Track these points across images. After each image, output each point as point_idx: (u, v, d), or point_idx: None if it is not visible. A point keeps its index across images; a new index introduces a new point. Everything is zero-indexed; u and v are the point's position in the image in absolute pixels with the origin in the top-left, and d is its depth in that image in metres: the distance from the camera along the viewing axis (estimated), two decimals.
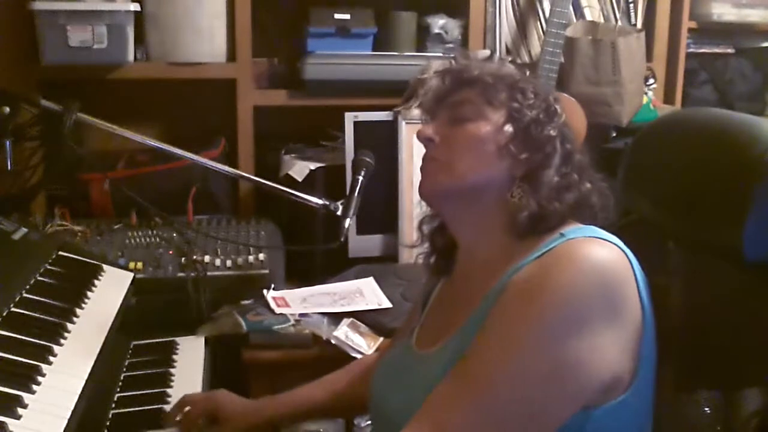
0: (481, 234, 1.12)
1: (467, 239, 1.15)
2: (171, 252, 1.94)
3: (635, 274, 1.01)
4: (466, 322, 1.06)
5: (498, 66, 1.17)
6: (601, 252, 0.99)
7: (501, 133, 1.10)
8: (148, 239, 2.00)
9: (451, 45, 2.43)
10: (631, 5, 2.62)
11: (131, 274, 1.74)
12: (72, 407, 1.13)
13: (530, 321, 0.96)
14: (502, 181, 1.10)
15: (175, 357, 1.65)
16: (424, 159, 1.15)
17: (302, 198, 1.90)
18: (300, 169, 2.20)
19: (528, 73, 1.19)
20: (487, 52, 2.36)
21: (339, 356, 1.70)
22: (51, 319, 1.34)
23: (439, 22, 2.41)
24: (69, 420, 1.10)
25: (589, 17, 2.56)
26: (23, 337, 1.24)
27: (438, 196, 1.14)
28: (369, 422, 1.21)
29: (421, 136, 1.14)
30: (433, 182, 1.12)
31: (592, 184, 1.12)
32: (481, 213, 1.11)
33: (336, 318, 1.85)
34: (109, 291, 1.59)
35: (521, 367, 0.96)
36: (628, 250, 1.03)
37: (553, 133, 1.11)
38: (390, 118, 2.21)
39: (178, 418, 1.36)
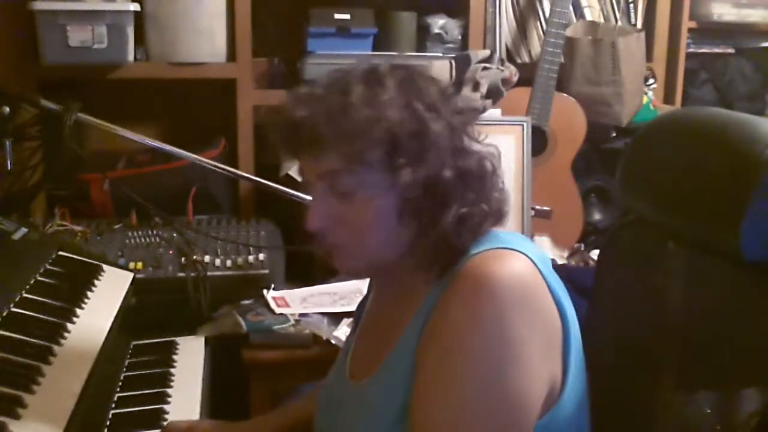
0: (394, 272, 1.09)
1: (382, 278, 1.15)
2: (171, 252, 1.94)
3: (543, 275, 0.98)
4: (395, 350, 1.04)
5: (354, 102, 0.97)
6: (505, 267, 0.96)
7: (395, 198, 0.99)
8: (148, 239, 2.00)
9: (451, 45, 2.43)
10: (631, 5, 2.62)
11: (131, 274, 1.74)
12: (72, 407, 1.13)
13: (468, 370, 0.93)
14: (409, 236, 1.02)
15: (175, 357, 1.65)
16: (323, 244, 1.04)
17: (302, 198, 1.89)
18: (300, 169, 2.20)
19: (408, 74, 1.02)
20: (487, 52, 2.36)
21: None
22: (51, 319, 1.34)
23: (439, 22, 2.41)
24: (69, 420, 1.10)
25: (589, 17, 2.56)
26: (23, 337, 1.24)
27: (355, 274, 1.17)
28: None
29: (310, 228, 1.02)
30: (347, 267, 1.07)
31: (495, 189, 1.05)
32: (393, 264, 1.07)
33: (336, 318, 1.86)
34: (109, 291, 1.59)
35: (474, 414, 0.93)
36: (530, 251, 0.99)
37: (451, 173, 0.99)
38: None
39: None
